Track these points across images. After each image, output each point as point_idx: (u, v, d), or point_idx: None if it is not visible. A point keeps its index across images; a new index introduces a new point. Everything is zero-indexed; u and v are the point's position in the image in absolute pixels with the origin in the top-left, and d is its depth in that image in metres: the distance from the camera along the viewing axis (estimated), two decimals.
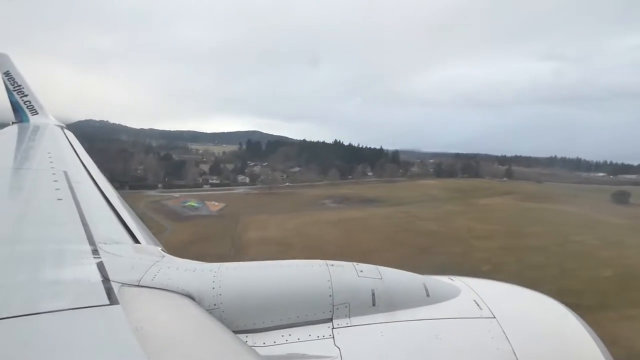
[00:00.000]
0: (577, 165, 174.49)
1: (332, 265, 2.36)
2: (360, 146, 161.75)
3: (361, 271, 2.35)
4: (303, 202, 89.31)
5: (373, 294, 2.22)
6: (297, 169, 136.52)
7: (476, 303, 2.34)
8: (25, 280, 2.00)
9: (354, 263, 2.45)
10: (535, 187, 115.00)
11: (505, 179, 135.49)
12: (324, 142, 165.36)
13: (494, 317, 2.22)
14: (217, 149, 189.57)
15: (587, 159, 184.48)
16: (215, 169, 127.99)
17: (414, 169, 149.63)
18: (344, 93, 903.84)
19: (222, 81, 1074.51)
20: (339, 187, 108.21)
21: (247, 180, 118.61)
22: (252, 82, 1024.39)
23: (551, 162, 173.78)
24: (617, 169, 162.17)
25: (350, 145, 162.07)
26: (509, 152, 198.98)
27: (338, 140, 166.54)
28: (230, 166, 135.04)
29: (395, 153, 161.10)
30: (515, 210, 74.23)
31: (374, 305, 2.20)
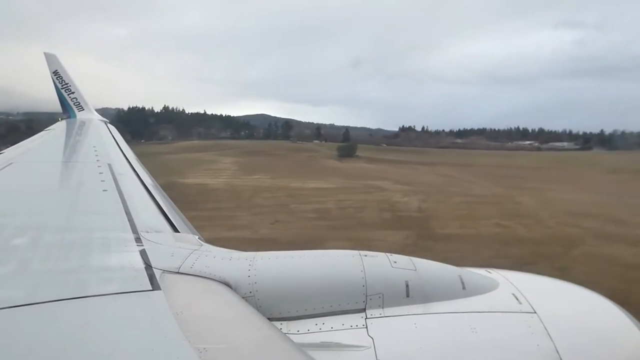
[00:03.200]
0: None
1: (366, 255, 2.37)
2: (188, 112, 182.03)
3: (395, 262, 2.34)
4: None
5: (407, 285, 2.19)
6: None
7: (515, 297, 2.26)
8: (76, 265, 2.10)
9: (388, 254, 2.45)
10: (289, 147, 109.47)
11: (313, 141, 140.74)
12: (155, 111, 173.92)
13: (535, 312, 2.14)
14: None
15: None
16: None
17: (220, 133, 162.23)
18: (363, 74, 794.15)
19: (240, 66, 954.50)
20: None
21: None
22: (270, 66, 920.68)
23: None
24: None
25: (171, 110, 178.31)
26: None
27: (168, 107, 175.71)
28: None
29: (204, 117, 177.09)
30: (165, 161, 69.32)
31: (407, 296, 2.17)
